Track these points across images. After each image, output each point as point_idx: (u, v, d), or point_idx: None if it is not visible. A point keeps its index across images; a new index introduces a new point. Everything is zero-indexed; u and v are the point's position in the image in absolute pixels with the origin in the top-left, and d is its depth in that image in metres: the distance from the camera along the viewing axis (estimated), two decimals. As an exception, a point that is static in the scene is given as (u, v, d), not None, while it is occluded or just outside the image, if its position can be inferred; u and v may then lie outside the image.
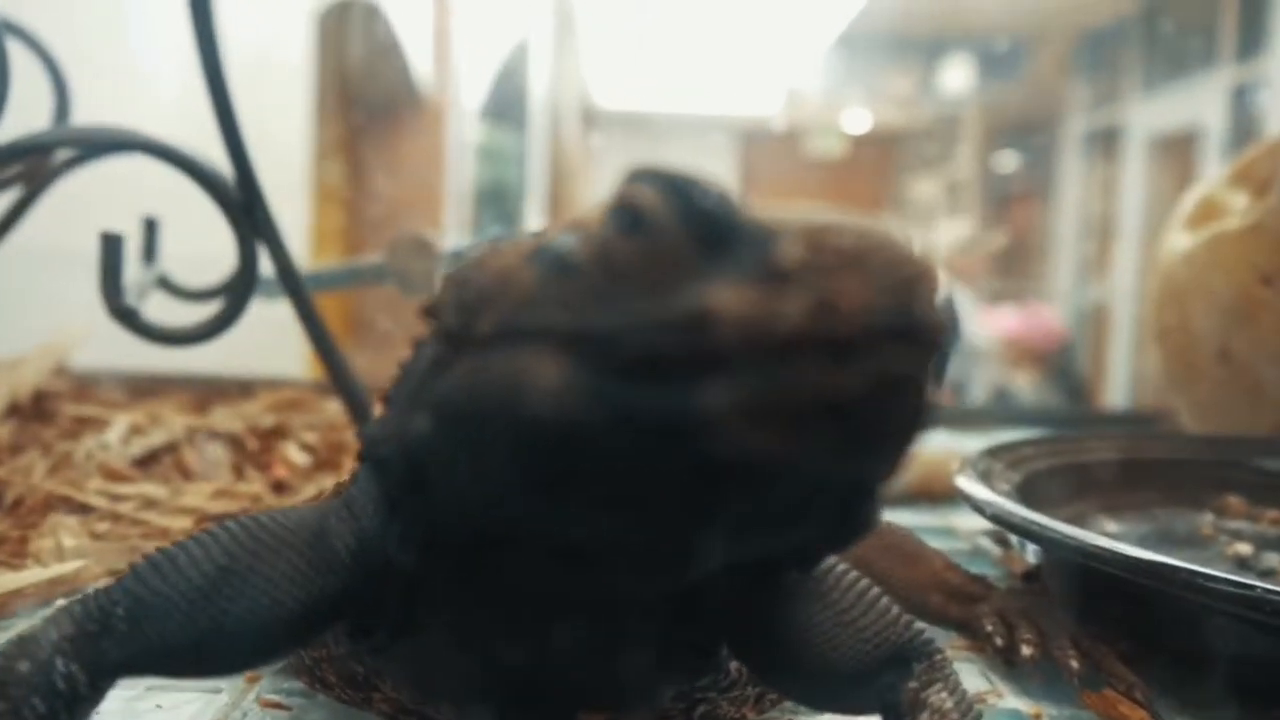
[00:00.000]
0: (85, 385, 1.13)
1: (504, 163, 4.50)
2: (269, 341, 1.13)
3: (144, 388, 1.20)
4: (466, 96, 3.62)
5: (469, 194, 3.73)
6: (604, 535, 0.28)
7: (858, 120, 7.70)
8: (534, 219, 4.51)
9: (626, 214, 0.26)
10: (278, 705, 0.45)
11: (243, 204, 0.82)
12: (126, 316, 0.80)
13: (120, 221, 0.91)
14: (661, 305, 0.25)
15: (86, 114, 0.96)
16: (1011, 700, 0.51)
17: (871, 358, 0.24)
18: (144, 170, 0.90)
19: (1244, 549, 0.69)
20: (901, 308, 0.24)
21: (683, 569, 0.28)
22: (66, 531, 0.69)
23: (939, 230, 4.30)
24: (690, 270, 0.25)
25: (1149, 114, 4.98)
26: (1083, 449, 0.83)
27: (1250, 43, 4.00)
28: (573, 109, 5.78)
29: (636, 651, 0.34)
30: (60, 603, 0.58)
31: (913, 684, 0.36)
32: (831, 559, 0.37)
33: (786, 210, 0.26)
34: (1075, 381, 4.11)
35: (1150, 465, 0.84)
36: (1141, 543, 0.73)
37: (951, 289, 0.23)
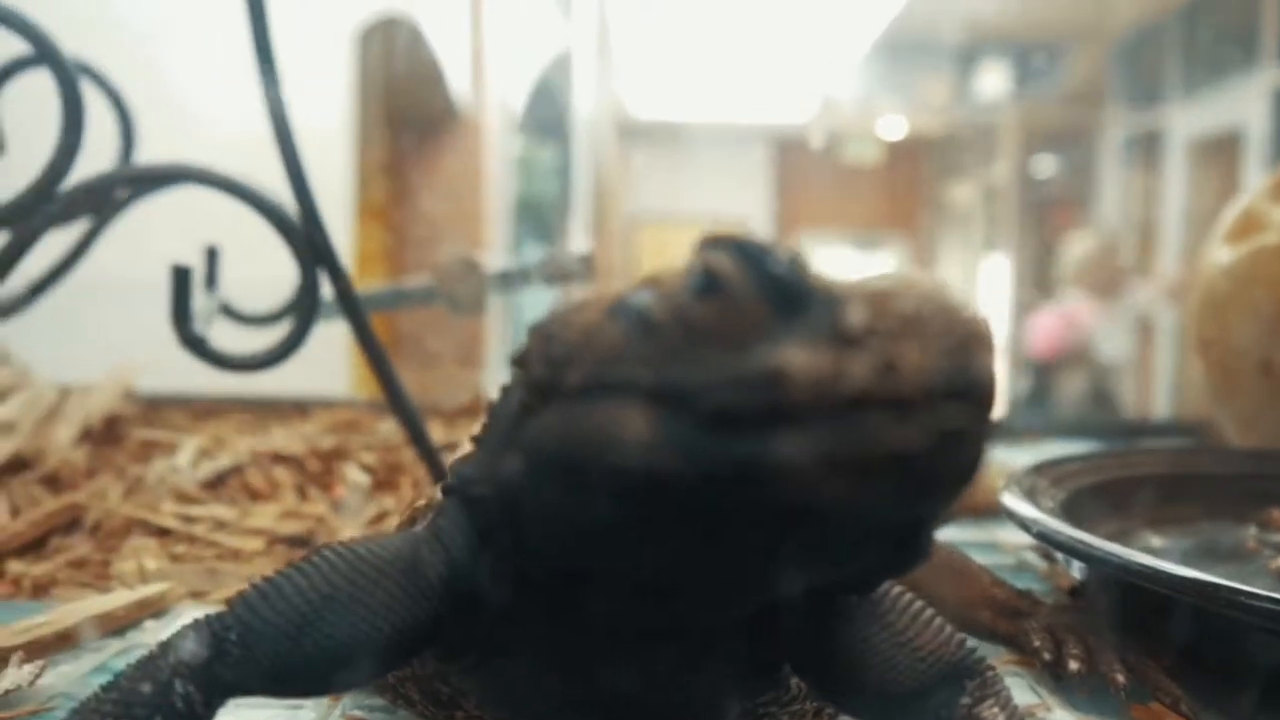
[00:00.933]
0: (150, 409, 1.17)
1: (542, 177, 4.55)
2: (318, 362, 1.16)
3: (204, 410, 1.24)
4: (505, 109, 3.67)
5: (509, 209, 3.78)
6: (685, 573, 0.31)
7: (893, 127, 7.69)
8: (579, 234, 4.55)
9: (705, 278, 0.29)
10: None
11: (305, 233, 0.85)
12: (196, 345, 0.84)
13: (175, 250, 0.95)
14: (738, 363, 0.28)
15: (146, 143, 1.00)
16: (1059, 713, 0.53)
17: (930, 414, 0.26)
18: (196, 199, 0.94)
19: (1288, 564, 0.70)
20: (957, 369, 0.26)
21: (754, 600, 0.31)
22: (146, 554, 0.72)
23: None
24: (764, 331, 0.28)
25: (1189, 118, 4.94)
26: (1126, 464, 0.84)
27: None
28: (608, 121, 5.83)
29: (710, 674, 0.37)
30: (148, 624, 0.62)
31: (966, 700, 0.38)
32: (889, 583, 0.39)
33: (854, 275, 0.29)
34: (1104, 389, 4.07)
35: (1194, 480, 0.85)
36: (1185, 558, 0.74)
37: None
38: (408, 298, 1.41)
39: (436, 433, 1.00)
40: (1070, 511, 0.71)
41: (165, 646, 0.36)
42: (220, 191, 0.86)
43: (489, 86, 3.43)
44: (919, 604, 0.39)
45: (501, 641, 0.37)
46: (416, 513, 0.41)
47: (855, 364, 0.26)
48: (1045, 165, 6.99)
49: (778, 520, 0.28)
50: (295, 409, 1.27)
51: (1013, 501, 0.67)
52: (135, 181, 0.90)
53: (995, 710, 0.38)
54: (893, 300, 0.27)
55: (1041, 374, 4.31)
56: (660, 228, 6.94)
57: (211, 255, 1.00)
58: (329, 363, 1.12)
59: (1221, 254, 1.10)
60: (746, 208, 7.37)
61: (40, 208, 0.82)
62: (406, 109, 3.07)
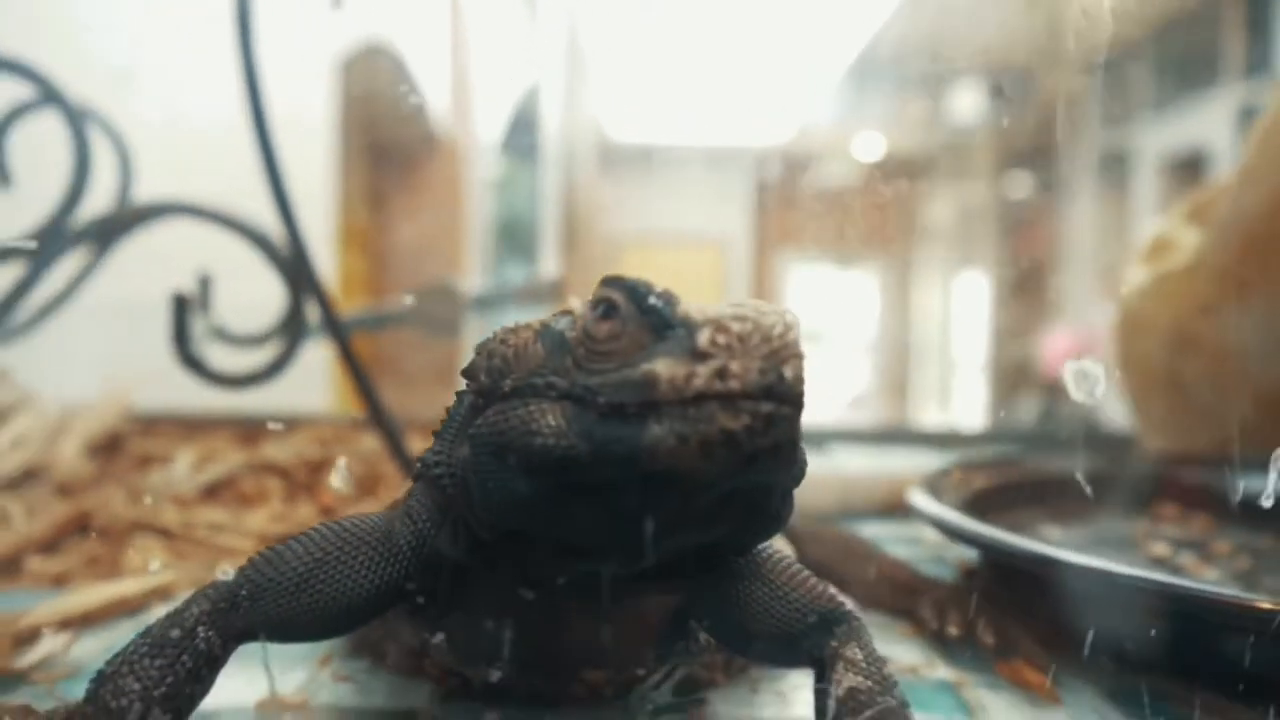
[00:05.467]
0: (145, 425, 1.25)
1: (522, 198, 4.64)
2: (302, 381, 1.24)
3: (195, 425, 1.32)
4: (484, 135, 3.77)
5: (488, 231, 3.87)
6: (591, 532, 0.40)
7: (870, 148, 7.80)
8: (548, 257, 4.65)
9: (604, 306, 0.40)
10: (346, 679, 0.57)
11: (292, 262, 0.94)
12: (194, 364, 0.93)
13: (168, 275, 1.03)
14: (625, 371, 0.38)
15: (140, 171, 1.08)
16: (942, 670, 0.62)
17: (750, 406, 0.36)
18: (185, 229, 1.02)
19: (1163, 550, 0.80)
20: (770, 375, 0.36)
21: (650, 555, 0.40)
22: (152, 552, 0.80)
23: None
24: (643, 348, 0.38)
25: (1158, 136, 5.05)
26: (1032, 466, 0.93)
27: (1257, 60, 4.05)
28: (587, 144, 5.92)
29: (630, 623, 0.46)
30: (157, 609, 0.70)
31: (833, 643, 0.47)
32: (771, 548, 0.48)
33: (713, 307, 0.38)
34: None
35: (1096, 479, 0.94)
36: (1078, 546, 0.84)
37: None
38: (388, 320, 1.50)
39: (416, 444, 1.09)
40: (979, 506, 0.81)
41: (189, 601, 0.45)
42: (215, 225, 0.95)
43: (469, 113, 3.53)
44: (796, 566, 0.49)
45: (459, 597, 0.46)
46: (397, 504, 0.51)
47: (700, 371, 0.37)
48: (1019, 184, 7.11)
49: (653, 486, 0.37)
50: (281, 425, 1.35)
51: (916, 495, 0.76)
52: (138, 217, 0.98)
53: (856, 650, 0.47)
54: (730, 325, 0.37)
55: (1054, 393, 4.41)
56: (642, 249, 7.04)
57: (204, 283, 1.09)
58: (312, 382, 1.20)
59: (1137, 275, 1.20)
60: (727, 228, 7.47)
61: (53, 240, 0.90)
62: (388, 137, 3.16)
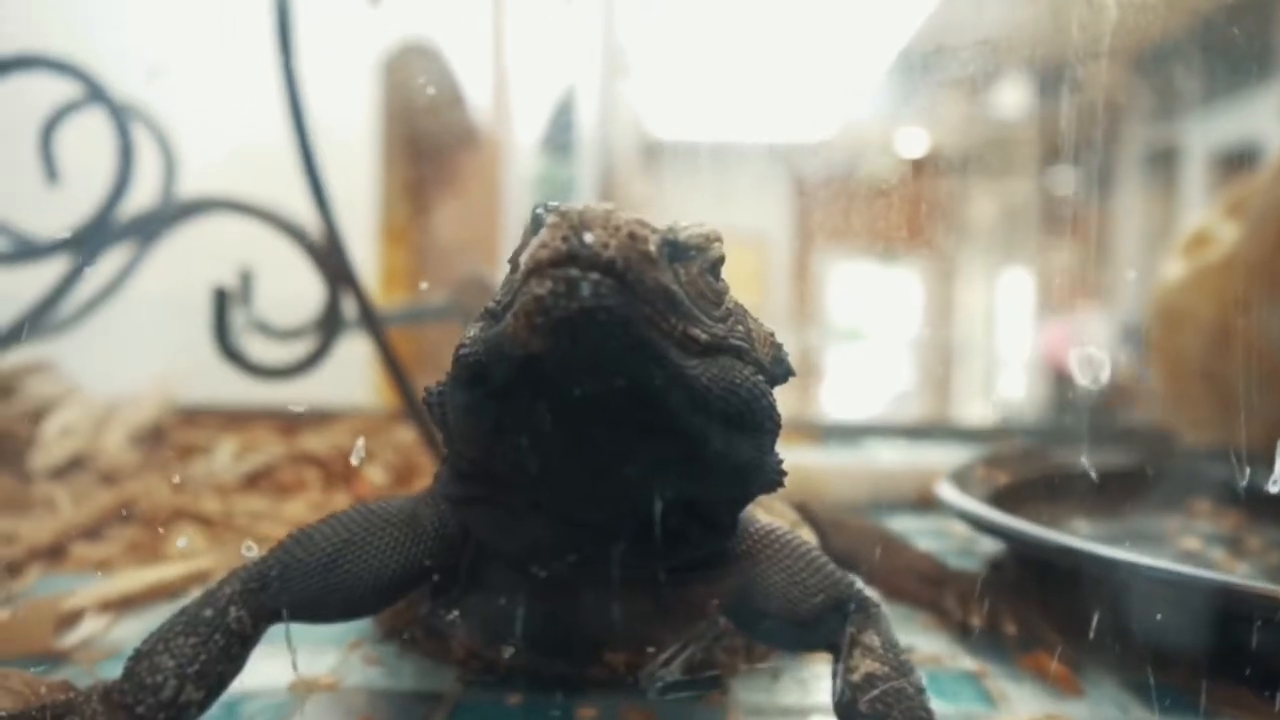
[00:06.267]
0: (187, 417, 1.28)
1: (564, 194, 4.66)
2: (340, 374, 1.26)
3: (237, 417, 1.35)
4: (524, 131, 3.77)
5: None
6: (529, 449, 0.39)
7: (913, 144, 7.76)
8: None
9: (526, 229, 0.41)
10: (375, 662, 0.59)
11: (331, 258, 0.96)
12: (235, 356, 0.95)
13: (211, 268, 1.06)
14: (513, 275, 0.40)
15: (182, 169, 1.11)
16: (965, 661, 0.62)
17: (556, 272, 0.36)
18: (228, 225, 1.04)
19: (1194, 544, 0.79)
20: (571, 240, 0.36)
21: (588, 478, 0.40)
22: (192, 541, 0.83)
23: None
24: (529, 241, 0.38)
25: (1207, 132, 4.98)
26: (1061, 459, 0.93)
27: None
28: (627, 140, 5.93)
29: (640, 605, 0.47)
30: (194, 592, 0.72)
31: (851, 628, 0.48)
32: (790, 534, 0.49)
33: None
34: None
35: (1130, 474, 0.94)
36: (1107, 540, 0.83)
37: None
38: (427, 313, 1.52)
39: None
40: (1003, 500, 0.81)
41: (223, 581, 0.46)
42: (255, 220, 0.97)
43: (510, 107, 3.54)
44: (815, 552, 0.49)
45: (478, 577, 0.47)
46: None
47: (528, 252, 0.37)
48: (1065, 181, 7.04)
49: (529, 377, 0.37)
50: (318, 417, 1.38)
51: (944, 488, 0.77)
52: (182, 212, 1.01)
53: (874, 636, 0.47)
54: (561, 211, 0.37)
55: (1059, 385, 4.37)
56: (682, 246, 7.05)
57: (245, 278, 1.11)
58: (352, 375, 1.22)
59: (1174, 269, 1.19)
60: (768, 225, 7.46)
61: (98, 236, 0.93)
62: (428, 134, 3.19)
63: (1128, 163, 6.00)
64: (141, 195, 1.05)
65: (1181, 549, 0.79)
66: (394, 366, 0.98)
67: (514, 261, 0.42)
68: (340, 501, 0.97)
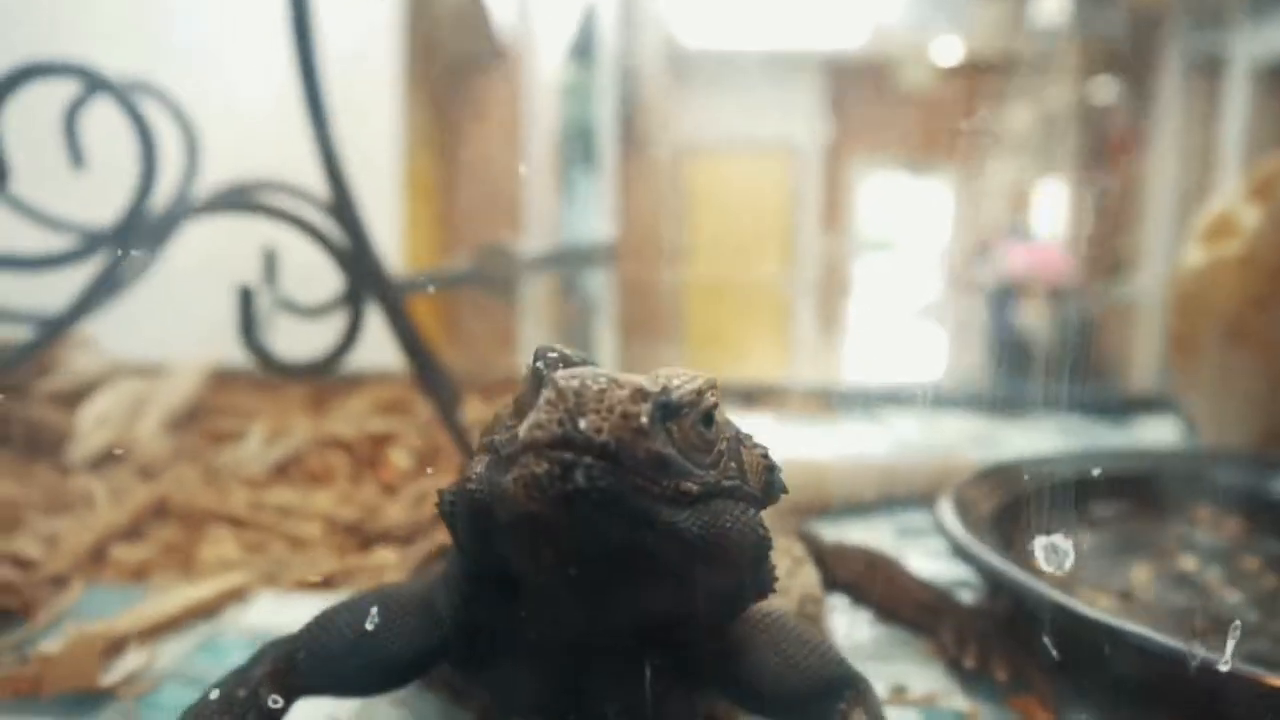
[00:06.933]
0: (221, 385, 1.31)
1: (587, 105, 4.60)
2: (369, 334, 1.29)
3: (268, 383, 1.38)
4: (550, 40, 3.74)
5: (552, 137, 3.86)
6: (530, 571, 0.43)
7: (948, 51, 7.58)
8: (607, 158, 4.66)
9: (529, 371, 0.44)
10: (400, 704, 0.63)
11: (351, 255, 0.98)
12: (261, 353, 0.98)
13: (242, 233, 1.08)
14: (516, 427, 0.41)
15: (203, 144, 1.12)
16: (959, 700, 0.65)
17: (553, 455, 0.38)
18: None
19: (1190, 564, 0.82)
20: (566, 425, 0.39)
21: (581, 604, 0.44)
22: (225, 543, 0.87)
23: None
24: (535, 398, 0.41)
25: (1253, 42, 4.85)
26: (1068, 468, 0.95)
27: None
28: (654, 50, 5.84)
29: (636, 683, 0.50)
30: (231, 609, 0.76)
31: (842, 706, 0.51)
32: (780, 614, 0.52)
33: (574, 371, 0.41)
34: (1086, 319, 4.14)
35: (1131, 480, 0.96)
36: (1105, 554, 0.86)
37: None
38: (449, 280, 1.54)
39: (476, 406, 1.14)
40: (1007, 514, 0.83)
41: (253, 660, 0.50)
42: (279, 221, 0.99)
43: (534, 16, 3.50)
44: (808, 632, 0.52)
45: (493, 655, 0.51)
46: (430, 558, 0.55)
47: (526, 426, 0.40)
48: (1105, 91, 6.88)
49: (526, 525, 0.40)
50: (347, 382, 1.41)
51: (942, 509, 0.79)
52: (204, 209, 1.03)
53: (863, 715, 0.50)
54: (558, 385, 0.40)
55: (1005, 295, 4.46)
56: (712, 158, 6.97)
57: (270, 259, 1.14)
58: (380, 338, 1.25)
59: (1193, 255, 1.19)
60: (797, 135, 7.36)
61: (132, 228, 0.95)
62: (452, 53, 3.17)
63: (1169, 74, 5.86)
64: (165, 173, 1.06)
65: (1177, 569, 0.82)
66: (412, 346, 1.01)
67: (517, 403, 0.44)
68: (367, 492, 1.01)
